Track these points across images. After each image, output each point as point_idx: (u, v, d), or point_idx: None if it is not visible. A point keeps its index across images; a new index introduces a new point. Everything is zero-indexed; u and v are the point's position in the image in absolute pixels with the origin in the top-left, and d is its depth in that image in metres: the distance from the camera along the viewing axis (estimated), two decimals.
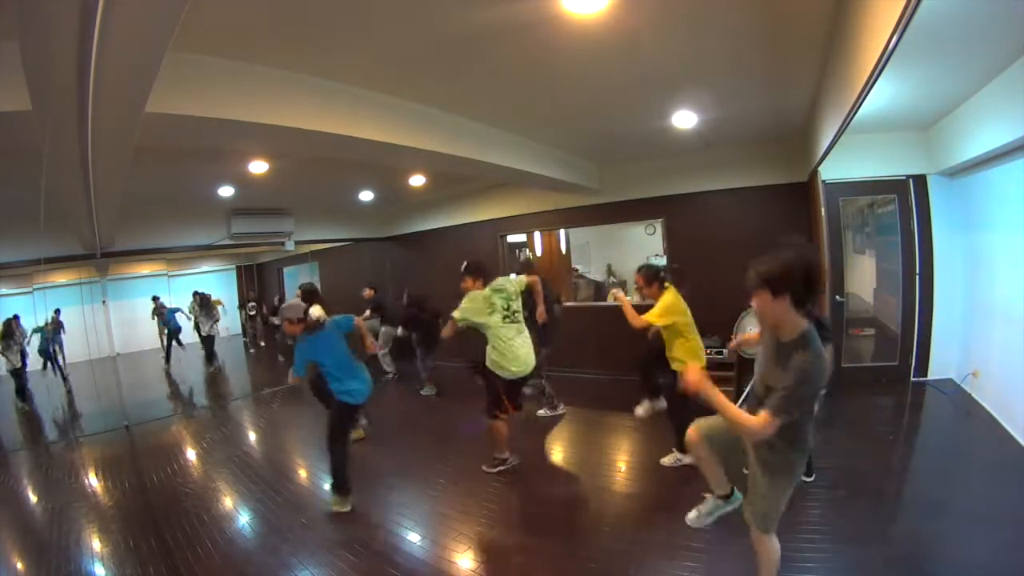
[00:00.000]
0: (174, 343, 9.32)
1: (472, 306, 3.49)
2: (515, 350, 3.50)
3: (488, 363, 3.55)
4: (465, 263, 3.68)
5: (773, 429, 1.56)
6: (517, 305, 3.63)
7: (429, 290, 6.34)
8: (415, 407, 5.79)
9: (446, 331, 3.58)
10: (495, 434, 3.69)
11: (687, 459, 3.52)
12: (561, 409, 5.00)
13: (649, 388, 3.91)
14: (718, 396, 1.73)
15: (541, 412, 4.96)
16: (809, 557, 2.38)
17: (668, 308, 3.34)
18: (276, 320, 11.82)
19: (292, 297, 5.29)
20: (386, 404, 5.71)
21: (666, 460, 3.64)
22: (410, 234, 8.86)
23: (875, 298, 5.09)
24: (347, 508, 3.25)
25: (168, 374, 9.25)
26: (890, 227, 4.74)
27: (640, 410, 3.95)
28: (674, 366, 3.41)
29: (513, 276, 3.97)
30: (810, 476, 3.15)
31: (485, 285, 3.60)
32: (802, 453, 1.79)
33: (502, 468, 3.70)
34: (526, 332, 3.64)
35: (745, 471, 2.01)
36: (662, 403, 3.87)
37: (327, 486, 3.47)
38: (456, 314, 3.50)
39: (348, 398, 3.27)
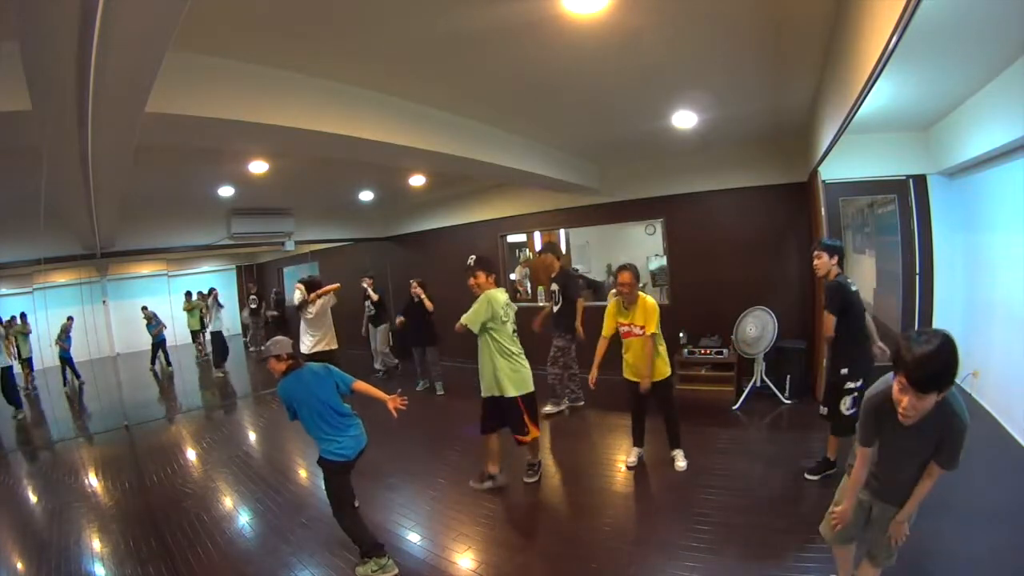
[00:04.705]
0: (159, 349, 9.59)
1: (484, 309, 3.15)
2: (526, 365, 3.32)
3: (507, 384, 3.24)
4: (474, 257, 3.33)
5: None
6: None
7: (431, 291, 6.30)
8: (415, 406, 5.77)
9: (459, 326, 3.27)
10: (488, 447, 3.45)
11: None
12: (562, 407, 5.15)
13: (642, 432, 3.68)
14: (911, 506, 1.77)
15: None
16: (811, 556, 2.38)
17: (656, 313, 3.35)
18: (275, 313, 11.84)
19: (293, 294, 5.27)
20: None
21: (680, 464, 3.51)
22: (410, 234, 8.86)
23: (875, 298, 5.09)
24: (395, 571, 2.62)
25: (154, 374, 9.34)
26: (890, 227, 4.73)
27: (680, 462, 3.53)
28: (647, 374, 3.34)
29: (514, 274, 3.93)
30: (815, 475, 3.17)
31: (497, 283, 3.36)
32: None
33: (491, 485, 3.46)
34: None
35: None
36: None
37: (357, 555, 2.72)
38: (466, 319, 3.19)
39: (331, 456, 2.64)
